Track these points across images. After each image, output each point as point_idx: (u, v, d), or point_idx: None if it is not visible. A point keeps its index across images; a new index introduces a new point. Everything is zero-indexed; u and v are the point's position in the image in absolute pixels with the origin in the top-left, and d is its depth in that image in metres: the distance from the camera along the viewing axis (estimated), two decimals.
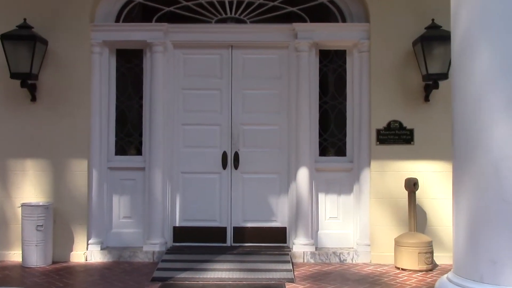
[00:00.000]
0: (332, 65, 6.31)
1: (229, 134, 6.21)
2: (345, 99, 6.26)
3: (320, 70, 6.28)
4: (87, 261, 5.92)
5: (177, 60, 6.24)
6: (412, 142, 5.95)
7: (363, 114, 6.06)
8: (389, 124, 5.97)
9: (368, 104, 6.02)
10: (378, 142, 5.97)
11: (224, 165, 6.18)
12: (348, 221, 6.20)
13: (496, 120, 3.07)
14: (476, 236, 3.13)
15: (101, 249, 5.99)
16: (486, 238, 3.08)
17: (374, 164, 5.96)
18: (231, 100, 6.23)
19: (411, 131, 5.96)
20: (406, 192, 5.75)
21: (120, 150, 6.28)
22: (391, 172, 5.93)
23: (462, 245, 3.23)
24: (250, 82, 6.23)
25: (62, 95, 5.94)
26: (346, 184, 6.21)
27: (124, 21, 6.24)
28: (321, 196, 6.22)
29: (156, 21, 6.22)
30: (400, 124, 5.96)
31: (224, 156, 6.18)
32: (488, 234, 3.07)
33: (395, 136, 5.96)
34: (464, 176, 3.25)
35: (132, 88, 6.30)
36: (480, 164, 3.12)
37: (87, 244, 5.97)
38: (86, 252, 5.94)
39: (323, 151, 6.29)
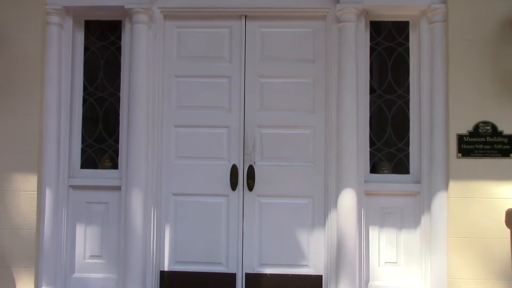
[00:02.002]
0: (389, 44, 4.41)
1: (241, 140, 4.35)
2: (407, 92, 4.36)
3: (372, 50, 4.39)
4: None
5: (168, 35, 4.43)
6: None
7: (436, 113, 4.13)
8: (476, 127, 4.03)
9: (444, 99, 4.10)
10: (460, 154, 4.03)
11: (234, 185, 4.33)
12: (413, 268, 4.26)
13: None
14: None
15: None
16: None
17: (453, 186, 4.02)
18: (244, 93, 4.38)
19: (510, 138, 4.00)
20: (508, 230, 3.79)
21: (88, 161, 4.48)
22: (480, 198, 3.98)
23: None
24: (272, 67, 4.38)
25: (3, 84, 4.18)
26: (410, 215, 4.28)
27: None
28: (374, 232, 4.29)
29: None
30: (494, 127, 4.02)
31: (234, 171, 4.32)
32: None
33: (486, 145, 4.01)
34: None
35: (107, 75, 4.51)
36: None
37: None
38: None
39: (375, 166, 4.38)
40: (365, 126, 4.31)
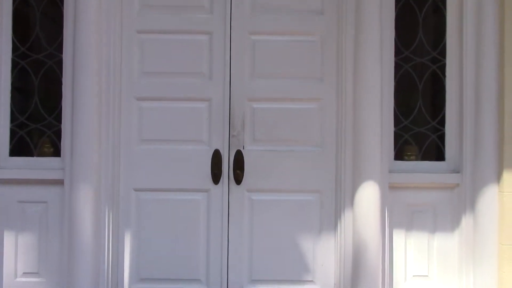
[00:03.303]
0: None
1: (226, 117, 3.29)
2: (443, 54, 3.36)
3: (397, 3, 3.35)
4: None
5: None
6: None
7: (484, 82, 3.15)
8: None
9: (495, 62, 3.14)
10: None
11: (216, 177, 3.27)
12: (450, 283, 3.29)
13: None
14: None
15: None
16: None
17: (508, 177, 3.07)
18: (230, 54, 3.30)
19: None
20: None
21: (20, 146, 3.35)
22: None
23: None
24: (266, 20, 3.31)
25: None
26: (445, 214, 3.32)
27: None
28: (399, 237, 3.31)
29: None
30: None
31: (216, 159, 3.26)
32: None
33: None
34: None
35: (44, 31, 3.38)
36: None
37: None
38: None
39: (400, 151, 3.37)
40: (389, 99, 3.29)
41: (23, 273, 3.27)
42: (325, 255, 3.31)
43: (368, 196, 3.14)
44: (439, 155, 3.36)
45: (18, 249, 3.27)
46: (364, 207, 3.15)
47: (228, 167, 3.28)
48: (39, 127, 3.34)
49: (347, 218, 3.23)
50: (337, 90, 3.28)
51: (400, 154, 3.37)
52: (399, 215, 3.31)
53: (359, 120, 3.18)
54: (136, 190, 3.30)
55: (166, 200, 3.30)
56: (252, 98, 3.30)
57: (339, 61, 3.27)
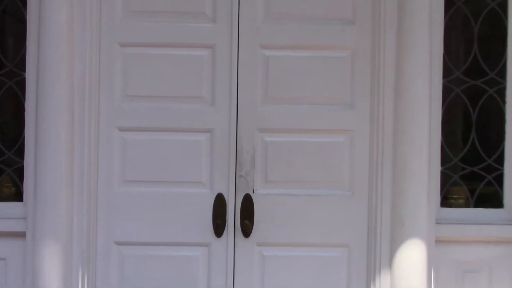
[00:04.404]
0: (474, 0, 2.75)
1: (232, 153, 2.64)
2: (503, 75, 2.72)
3: (448, 4, 2.70)
4: None
5: None
6: None
7: None
8: None
9: None
10: None
11: (219, 228, 2.62)
12: None
13: None
14: None
15: None
16: None
17: None
18: (238, 74, 2.64)
19: None
20: None
21: None
22: None
23: None
24: (283, 31, 2.65)
25: None
26: (504, 275, 2.70)
27: None
28: None
29: None
30: None
31: (219, 205, 2.61)
32: None
33: None
34: None
35: (3, 43, 2.70)
36: None
37: None
38: None
39: (448, 196, 2.74)
40: (436, 131, 2.64)
41: None
42: None
43: (411, 254, 2.51)
44: (497, 201, 2.73)
45: None
46: (405, 268, 2.52)
47: (234, 216, 2.63)
48: None
49: (382, 280, 2.59)
50: (371, 119, 2.63)
51: (446, 199, 2.73)
52: (446, 275, 2.68)
53: (400, 158, 2.54)
54: (117, 244, 2.64)
55: (156, 257, 2.64)
56: (264, 128, 2.64)
57: (374, 82, 2.61)
